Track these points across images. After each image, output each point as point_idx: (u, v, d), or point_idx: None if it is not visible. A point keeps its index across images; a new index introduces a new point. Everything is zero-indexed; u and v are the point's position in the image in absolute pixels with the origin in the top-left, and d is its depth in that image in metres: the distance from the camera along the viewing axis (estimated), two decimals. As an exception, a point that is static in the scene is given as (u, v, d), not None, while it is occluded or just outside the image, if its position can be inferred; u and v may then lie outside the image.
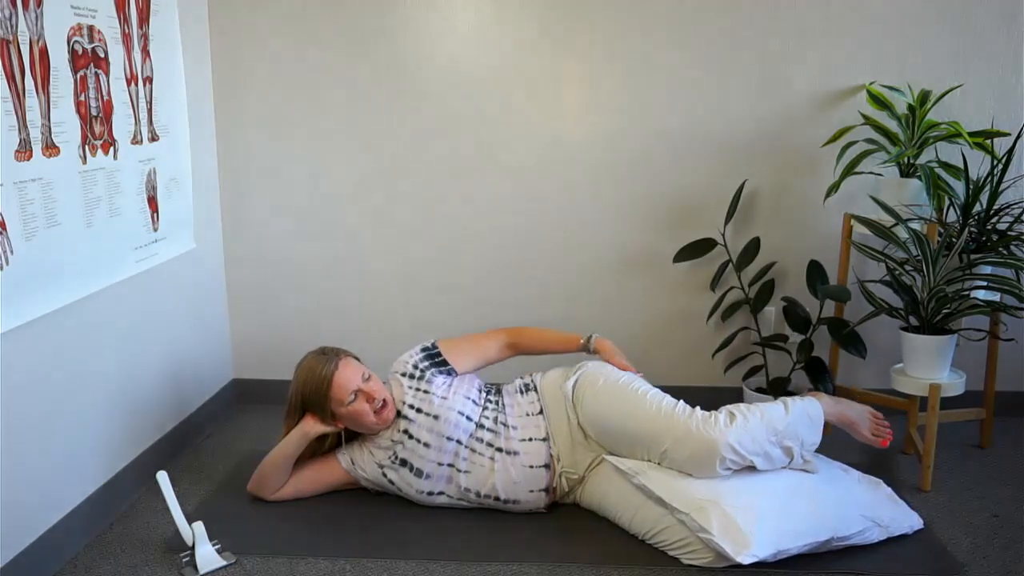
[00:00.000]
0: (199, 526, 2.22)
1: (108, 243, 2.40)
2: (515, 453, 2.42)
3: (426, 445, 2.42)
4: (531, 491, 2.42)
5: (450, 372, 2.56)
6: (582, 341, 2.65)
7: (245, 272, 3.27)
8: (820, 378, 2.94)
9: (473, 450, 2.43)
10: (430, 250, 3.23)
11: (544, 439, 2.44)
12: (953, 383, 2.62)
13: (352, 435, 2.54)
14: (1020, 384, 3.16)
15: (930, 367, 2.62)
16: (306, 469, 2.53)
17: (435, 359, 2.55)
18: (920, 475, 2.62)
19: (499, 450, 2.42)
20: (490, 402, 2.53)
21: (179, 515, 2.21)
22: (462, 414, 2.44)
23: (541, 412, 2.49)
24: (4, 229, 1.95)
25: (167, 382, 2.81)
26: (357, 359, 2.51)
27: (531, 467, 2.42)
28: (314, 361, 2.45)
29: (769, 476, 2.29)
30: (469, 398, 2.49)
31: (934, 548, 2.28)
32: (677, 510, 2.18)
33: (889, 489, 2.47)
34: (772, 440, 2.28)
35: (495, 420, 2.47)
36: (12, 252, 1.98)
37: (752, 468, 2.28)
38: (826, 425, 2.40)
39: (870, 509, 2.29)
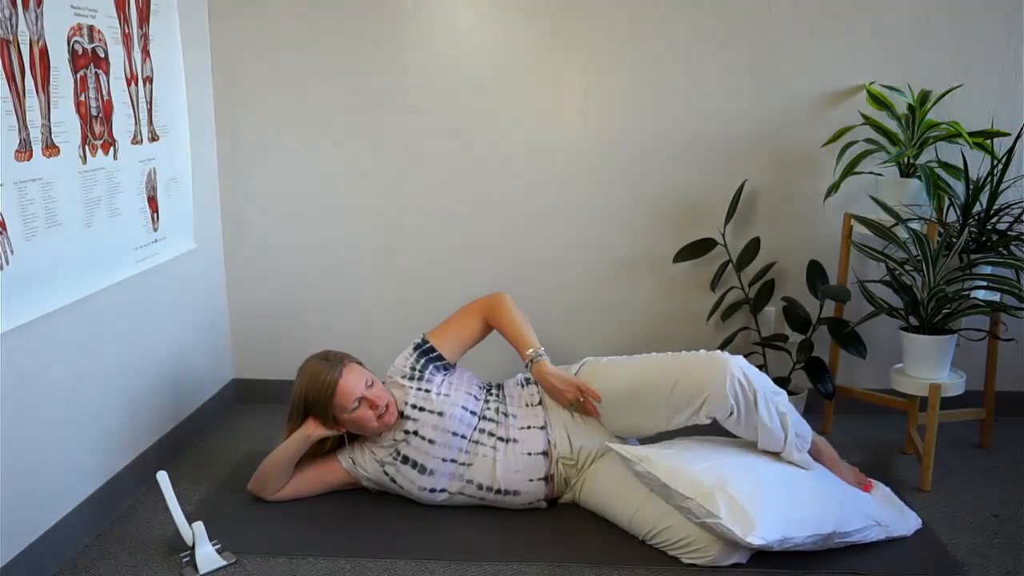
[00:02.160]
0: (199, 526, 2.22)
1: (108, 243, 2.40)
2: (514, 441, 2.45)
3: (431, 442, 2.43)
4: (530, 479, 2.44)
5: (447, 367, 2.56)
6: (528, 353, 2.53)
7: (245, 272, 3.27)
8: (820, 378, 2.94)
9: (476, 442, 2.45)
10: (430, 250, 3.23)
11: (542, 427, 2.47)
12: (953, 383, 2.62)
13: (353, 436, 2.54)
14: (1020, 384, 3.16)
15: (930, 367, 2.62)
16: (307, 470, 2.53)
17: (429, 354, 2.55)
18: (920, 475, 2.62)
19: (500, 439, 2.45)
20: (491, 396, 2.56)
21: (179, 515, 2.21)
22: (465, 409, 2.47)
23: (541, 403, 2.53)
24: (4, 229, 1.96)
25: (167, 382, 2.81)
26: (360, 364, 2.51)
27: (529, 454, 2.44)
28: (318, 367, 2.44)
29: (771, 465, 2.30)
30: (470, 394, 2.52)
31: (934, 548, 2.28)
32: (683, 496, 2.16)
33: (888, 489, 2.48)
34: (770, 395, 2.31)
35: (496, 411, 2.51)
36: (12, 252, 1.98)
37: (754, 447, 2.33)
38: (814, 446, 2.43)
39: (870, 508, 2.30)
